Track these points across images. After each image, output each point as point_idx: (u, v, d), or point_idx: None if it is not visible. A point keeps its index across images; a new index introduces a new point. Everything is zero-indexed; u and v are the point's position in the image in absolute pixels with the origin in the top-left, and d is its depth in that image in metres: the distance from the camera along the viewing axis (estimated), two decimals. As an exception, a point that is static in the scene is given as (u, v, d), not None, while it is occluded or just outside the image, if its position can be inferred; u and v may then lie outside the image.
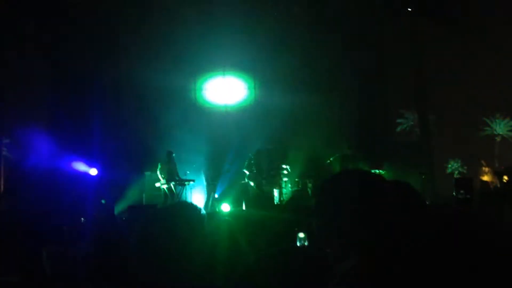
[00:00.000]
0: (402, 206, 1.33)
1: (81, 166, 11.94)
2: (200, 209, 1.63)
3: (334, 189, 1.37)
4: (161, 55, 13.70)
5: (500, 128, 14.87)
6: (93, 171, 12.04)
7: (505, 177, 10.70)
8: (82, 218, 5.20)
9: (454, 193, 8.61)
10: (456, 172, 13.92)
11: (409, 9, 12.81)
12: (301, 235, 3.86)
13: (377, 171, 10.63)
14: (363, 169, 1.46)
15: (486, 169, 12.52)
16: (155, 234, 1.47)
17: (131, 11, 13.32)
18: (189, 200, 11.52)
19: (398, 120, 15.28)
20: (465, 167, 13.93)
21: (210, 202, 11.75)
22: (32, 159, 10.60)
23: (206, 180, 12.13)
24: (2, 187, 11.89)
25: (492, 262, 1.09)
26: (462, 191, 8.16)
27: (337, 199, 1.33)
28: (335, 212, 1.31)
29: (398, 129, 15.25)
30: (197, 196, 12.15)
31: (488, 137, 14.84)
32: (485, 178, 12.41)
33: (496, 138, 14.78)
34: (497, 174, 11.62)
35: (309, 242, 3.71)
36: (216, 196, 12.06)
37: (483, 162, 12.72)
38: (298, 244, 3.80)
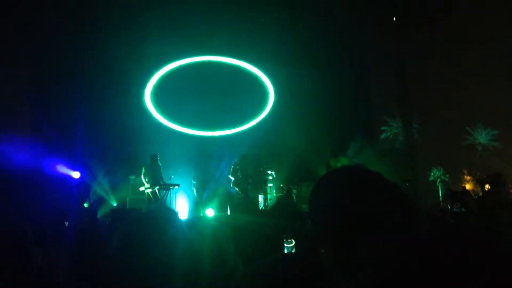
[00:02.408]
0: (401, 207, 1.23)
1: (63, 169, 11.78)
2: (177, 213, 1.62)
3: (331, 186, 1.28)
4: (145, 54, 13.73)
5: (482, 137, 15.11)
6: (76, 174, 11.89)
7: (487, 186, 10.87)
8: (66, 222, 5.13)
9: (448, 206, 8.69)
10: (438, 180, 14.09)
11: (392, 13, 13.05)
12: (289, 241, 3.86)
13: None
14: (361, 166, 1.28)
15: (468, 178, 12.72)
16: (136, 238, 1.47)
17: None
18: (173, 204, 11.48)
19: (382, 128, 15.43)
20: (447, 175, 14.12)
21: (194, 207, 11.71)
22: (14, 161, 10.41)
23: (193, 184, 12.07)
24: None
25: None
26: (457, 204, 8.22)
27: (334, 197, 1.23)
28: (332, 212, 1.22)
29: (382, 136, 15.39)
30: (181, 201, 12.10)
31: (470, 146, 15.06)
32: (468, 186, 12.60)
33: (478, 147, 15.01)
34: (479, 183, 11.80)
35: (296, 249, 3.71)
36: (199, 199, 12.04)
37: (464, 171, 12.92)
38: (285, 251, 3.79)
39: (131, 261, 1.44)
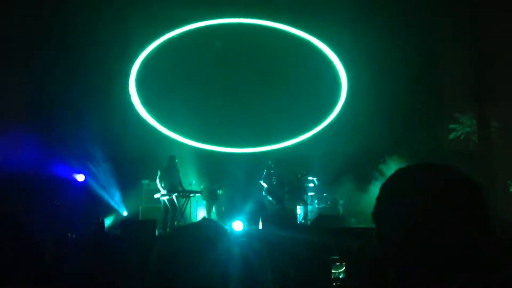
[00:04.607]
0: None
1: (66, 171, 12.05)
2: (226, 231, 1.61)
3: (405, 189, 1.23)
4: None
5: None
6: (80, 177, 12.15)
7: None
8: (69, 233, 5.22)
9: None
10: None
11: None
12: (338, 265, 3.77)
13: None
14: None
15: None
16: (181, 257, 1.47)
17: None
18: (194, 216, 11.55)
19: (451, 126, 15.05)
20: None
21: (219, 218, 11.74)
22: (10, 163, 10.71)
23: (209, 191, 12.00)
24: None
25: None
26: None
27: (409, 202, 1.19)
28: (408, 221, 1.19)
29: (451, 136, 15.00)
30: (201, 211, 12.15)
31: None
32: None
33: None
34: None
35: (346, 275, 3.62)
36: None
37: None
38: (332, 276, 3.71)
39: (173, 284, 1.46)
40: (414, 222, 1.18)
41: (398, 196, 1.25)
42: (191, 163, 12.40)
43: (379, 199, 1.30)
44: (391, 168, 11.74)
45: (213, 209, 11.98)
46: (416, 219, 1.19)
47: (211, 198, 11.90)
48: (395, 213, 1.23)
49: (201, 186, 11.95)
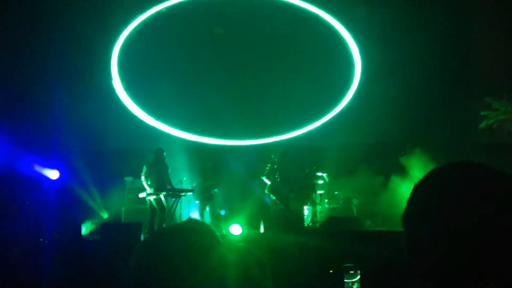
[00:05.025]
0: None
1: (37, 168, 12.05)
2: (216, 233, 1.58)
3: (452, 192, 1.22)
4: None
5: None
6: (54, 174, 12.14)
7: None
8: (41, 239, 5.22)
9: None
10: None
11: None
12: (351, 274, 3.77)
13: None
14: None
15: None
16: (157, 268, 1.44)
17: None
18: (185, 218, 11.54)
19: (483, 113, 15.03)
20: None
21: (210, 221, 11.74)
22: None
23: (203, 189, 11.97)
24: None
25: None
26: None
27: (458, 208, 1.19)
28: (455, 230, 1.18)
29: (482, 125, 14.99)
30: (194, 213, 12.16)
31: None
32: None
33: None
34: None
35: (362, 286, 3.62)
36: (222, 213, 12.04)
37: None
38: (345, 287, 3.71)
39: None
40: (464, 231, 1.18)
41: (441, 200, 1.24)
42: (181, 157, 12.39)
43: (413, 201, 1.30)
44: (412, 162, 11.73)
45: (207, 210, 11.96)
46: (466, 227, 1.18)
47: (205, 197, 11.87)
48: (437, 220, 1.23)
49: (194, 184, 11.94)
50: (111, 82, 14.01)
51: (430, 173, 1.31)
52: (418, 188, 1.30)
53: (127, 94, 14.01)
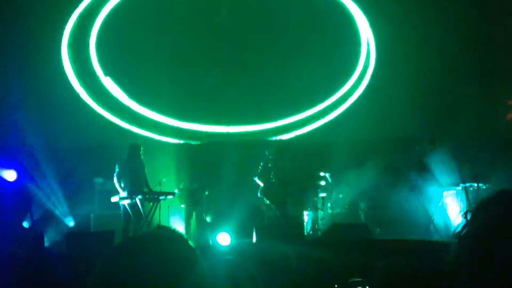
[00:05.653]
0: None
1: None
2: (189, 242, 1.57)
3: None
4: None
5: None
6: (10, 175, 12.11)
7: None
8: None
9: None
10: None
11: None
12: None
13: (482, 185, 10.62)
14: None
15: None
16: (125, 281, 1.43)
17: None
18: (168, 225, 11.54)
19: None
20: None
21: (196, 230, 11.76)
22: None
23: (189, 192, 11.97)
24: None
25: None
26: None
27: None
28: None
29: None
30: (176, 219, 12.18)
31: None
32: None
33: None
34: None
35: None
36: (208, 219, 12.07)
37: None
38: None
39: None
40: None
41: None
42: (161, 154, 12.40)
43: (489, 215, 1.40)
44: (429, 161, 11.77)
45: (193, 216, 11.94)
46: None
47: (192, 201, 11.84)
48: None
49: (181, 186, 11.90)
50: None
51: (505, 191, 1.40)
52: (484, 208, 1.41)
53: (102, 70, 14.05)
